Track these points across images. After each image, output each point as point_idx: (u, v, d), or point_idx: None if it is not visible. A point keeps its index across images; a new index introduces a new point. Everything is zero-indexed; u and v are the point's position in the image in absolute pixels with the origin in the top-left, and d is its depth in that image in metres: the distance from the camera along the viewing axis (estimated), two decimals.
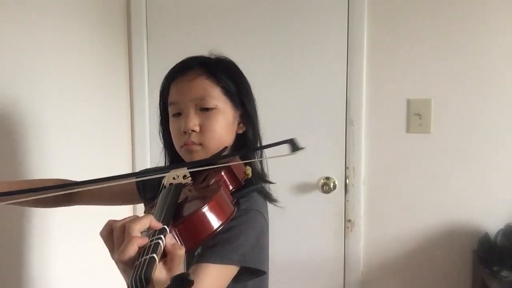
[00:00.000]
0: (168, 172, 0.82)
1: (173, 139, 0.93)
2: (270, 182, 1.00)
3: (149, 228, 0.58)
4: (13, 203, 0.81)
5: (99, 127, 1.67)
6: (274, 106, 1.78)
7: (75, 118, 1.50)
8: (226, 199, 0.74)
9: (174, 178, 0.81)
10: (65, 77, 1.46)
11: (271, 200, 0.97)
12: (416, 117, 1.69)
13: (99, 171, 1.62)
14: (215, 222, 0.67)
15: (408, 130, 1.71)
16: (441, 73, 1.66)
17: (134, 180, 1.02)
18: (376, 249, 1.77)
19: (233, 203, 0.77)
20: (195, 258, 0.78)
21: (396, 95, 1.71)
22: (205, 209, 0.66)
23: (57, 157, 1.40)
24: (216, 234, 0.67)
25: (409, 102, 1.70)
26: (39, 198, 0.93)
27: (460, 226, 1.67)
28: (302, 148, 0.68)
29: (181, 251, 0.56)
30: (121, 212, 1.69)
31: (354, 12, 1.72)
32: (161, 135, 1.01)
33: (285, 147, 0.68)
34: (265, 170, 1.01)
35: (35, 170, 1.31)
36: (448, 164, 1.67)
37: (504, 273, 1.44)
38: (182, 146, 0.89)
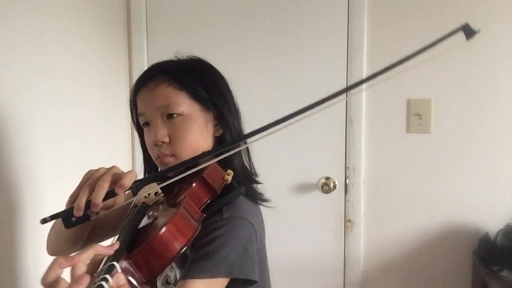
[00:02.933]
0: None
1: (148, 151, 0.90)
2: (258, 182, 0.94)
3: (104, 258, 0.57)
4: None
5: (98, 127, 1.66)
6: (274, 106, 1.78)
7: (74, 118, 1.50)
8: (188, 218, 0.68)
9: (145, 197, 0.77)
10: (65, 77, 1.46)
11: (261, 200, 0.92)
12: (416, 117, 1.69)
13: None
14: (173, 247, 0.62)
15: (408, 130, 1.71)
16: (441, 73, 1.66)
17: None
18: (376, 249, 1.77)
19: (202, 218, 0.72)
20: (181, 273, 0.75)
21: (396, 95, 1.71)
22: (158, 236, 0.61)
23: (57, 157, 1.40)
24: (180, 256, 0.62)
25: (409, 102, 1.70)
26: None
27: (460, 226, 1.67)
28: (477, 32, 0.66)
29: None
30: None
31: (354, 12, 1.71)
32: (142, 147, 0.98)
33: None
34: (253, 168, 0.95)
35: (34, 170, 1.31)
36: (448, 164, 1.67)
37: (504, 273, 1.44)
38: (156, 159, 0.86)
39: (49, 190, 1.36)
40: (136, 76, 1.86)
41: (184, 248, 0.63)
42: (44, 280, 0.56)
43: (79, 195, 0.65)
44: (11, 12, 1.21)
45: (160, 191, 0.77)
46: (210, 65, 0.93)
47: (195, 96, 0.86)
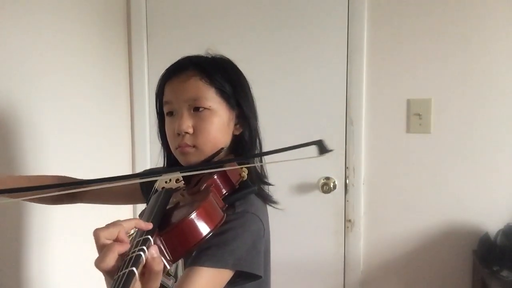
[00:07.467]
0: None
1: (168, 140, 0.92)
2: (269, 184, 0.98)
3: (137, 230, 0.57)
4: (16, 199, 0.81)
5: (99, 127, 1.67)
6: (274, 106, 1.78)
7: (75, 118, 1.50)
8: (215, 205, 0.71)
9: (166, 182, 0.80)
10: (65, 77, 1.46)
11: (270, 202, 0.95)
12: (416, 117, 1.69)
13: (99, 171, 1.62)
14: (202, 230, 0.64)
15: (408, 130, 1.71)
16: (441, 73, 1.66)
17: (137, 181, 1.01)
18: (376, 249, 1.77)
19: (224, 208, 0.75)
20: (189, 260, 0.77)
21: (396, 95, 1.71)
22: (191, 217, 0.63)
23: (57, 158, 1.40)
24: (204, 241, 0.64)
25: (409, 102, 1.70)
26: (42, 196, 0.94)
27: (460, 226, 1.67)
28: (330, 150, 0.65)
29: (159, 267, 0.55)
30: (120, 210, 1.69)
31: (354, 12, 1.71)
32: (159, 136, 1.00)
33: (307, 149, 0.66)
34: (265, 171, 0.98)
35: (35, 170, 1.31)
36: (448, 164, 1.67)
37: (504, 273, 1.44)
38: (177, 148, 0.88)
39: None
40: (136, 76, 1.89)
41: (211, 234, 0.65)
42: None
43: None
44: (11, 12, 1.21)
45: (181, 178, 0.80)
46: (236, 66, 0.96)
47: (222, 93, 0.89)
